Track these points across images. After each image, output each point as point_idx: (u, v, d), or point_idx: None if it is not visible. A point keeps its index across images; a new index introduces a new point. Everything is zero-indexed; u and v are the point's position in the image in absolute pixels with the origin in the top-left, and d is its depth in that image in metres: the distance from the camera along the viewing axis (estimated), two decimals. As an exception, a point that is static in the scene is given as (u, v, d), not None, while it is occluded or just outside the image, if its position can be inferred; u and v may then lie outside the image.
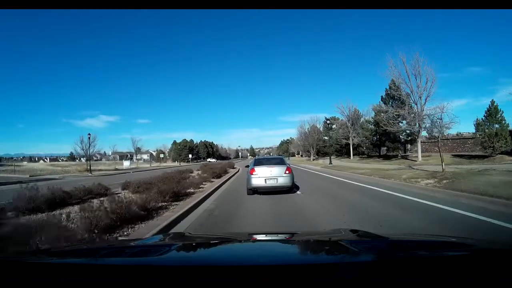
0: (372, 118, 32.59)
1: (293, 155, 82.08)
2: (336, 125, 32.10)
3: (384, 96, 27.87)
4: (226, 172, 19.66)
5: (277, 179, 8.87)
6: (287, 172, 9.11)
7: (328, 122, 28.92)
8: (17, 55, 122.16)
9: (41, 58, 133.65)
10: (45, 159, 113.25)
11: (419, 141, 23.18)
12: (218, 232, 4.46)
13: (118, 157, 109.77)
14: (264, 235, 2.44)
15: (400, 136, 28.11)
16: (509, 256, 1.13)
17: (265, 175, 8.92)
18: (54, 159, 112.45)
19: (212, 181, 13.58)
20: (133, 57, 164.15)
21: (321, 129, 51.36)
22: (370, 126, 33.72)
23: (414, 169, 16.70)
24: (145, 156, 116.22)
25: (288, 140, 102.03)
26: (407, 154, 29.09)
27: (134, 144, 61.05)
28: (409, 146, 31.95)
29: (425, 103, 22.21)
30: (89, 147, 43.83)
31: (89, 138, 35.98)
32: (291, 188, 9.27)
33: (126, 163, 51.46)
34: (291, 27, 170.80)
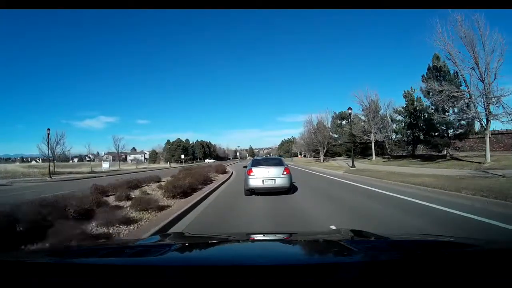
0: (402, 107, 25.75)
1: (296, 156, 75.36)
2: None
3: (426, 75, 20.81)
4: (207, 181, 12.85)
5: (275, 180, 8.72)
6: (285, 172, 8.92)
7: (349, 111, 22.02)
8: (17, 56, 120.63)
9: (40, 59, 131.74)
10: (37, 160, 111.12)
11: (488, 135, 16.28)
12: (217, 232, 4.13)
13: (111, 157, 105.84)
14: (265, 235, 2.40)
15: (449, 130, 21.17)
16: (508, 256, 1.12)
17: (262, 176, 8.74)
18: (46, 159, 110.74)
19: (166, 209, 6.85)
20: (133, 57, 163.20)
21: (329, 126, 44.67)
22: (399, 117, 26.65)
23: (504, 176, 10.13)
24: (139, 156, 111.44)
25: (290, 139, 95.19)
26: (450, 153, 22.16)
27: (115, 144, 54.13)
28: (443, 140, 25.11)
29: (494, 79, 15.49)
30: (56, 145, 37.32)
31: (48, 134, 29.17)
32: (289, 189, 9.03)
33: (105, 165, 44.95)
34: (291, 26, 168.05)
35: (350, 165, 21.03)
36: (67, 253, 1.62)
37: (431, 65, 21.14)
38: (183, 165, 55.37)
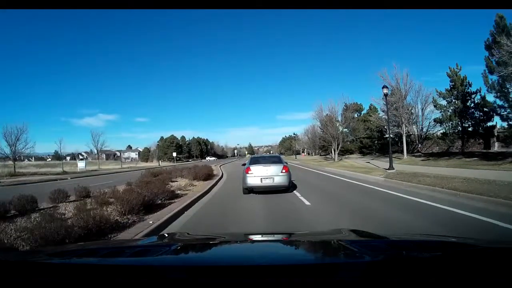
0: (446, 90, 19.71)
1: (298, 153, 69.39)
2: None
3: (490, 41, 14.74)
4: (164, 200, 6.78)
5: (273, 178, 8.52)
6: (283, 171, 8.69)
7: (384, 91, 15.62)
8: (16, 54, 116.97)
9: (40, 58, 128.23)
10: (30, 159, 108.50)
11: None
12: (216, 233, 3.90)
13: (104, 155, 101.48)
14: (265, 235, 2.35)
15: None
16: (508, 255, 1.11)
17: (261, 174, 8.54)
18: (40, 158, 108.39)
19: None
20: (132, 55, 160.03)
21: (339, 120, 38.58)
22: (443, 101, 20.26)
23: None
24: (133, 154, 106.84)
25: (292, 136, 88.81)
26: (497, 150, 16.08)
27: (94, 140, 47.99)
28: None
29: None
30: (17, 141, 31.43)
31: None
32: (288, 188, 8.77)
33: (81, 165, 38.97)
34: (291, 24, 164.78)
35: (386, 167, 15.08)
36: (67, 253, 1.57)
37: (495, 26, 15.08)
38: (175, 164, 49.68)
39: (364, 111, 40.50)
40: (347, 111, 37.26)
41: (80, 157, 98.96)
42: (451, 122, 19.54)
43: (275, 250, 1.64)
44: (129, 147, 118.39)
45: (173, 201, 7.20)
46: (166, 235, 2.43)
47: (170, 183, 11.26)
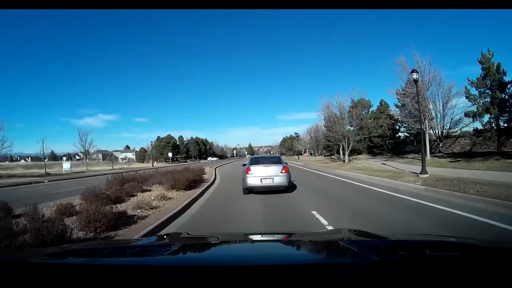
0: (478, 79, 16.81)
1: (300, 154, 66.50)
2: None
3: None
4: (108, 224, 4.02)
5: (273, 178, 8.56)
6: (283, 171, 8.71)
7: (414, 76, 12.68)
8: (16, 55, 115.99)
9: (40, 58, 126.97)
10: (27, 159, 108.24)
11: None
12: (216, 233, 3.68)
13: (100, 156, 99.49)
14: (265, 236, 2.34)
15: None
16: (509, 255, 1.10)
17: (260, 175, 8.59)
18: (37, 158, 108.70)
19: None
20: (131, 55, 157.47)
21: (346, 118, 35.66)
22: (475, 91, 17.12)
23: None
24: (130, 155, 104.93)
25: (293, 135, 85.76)
26: None
27: (82, 139, 45.17)
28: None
29: None
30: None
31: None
32: (288, 188, 8.80)
33: (66, 165, 36.31)
34: (291, 25, 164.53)
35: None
36: (66, 253, 1.54)
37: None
38: (170, 165, 46.83)
39: (372, 108, 37.67)
40: (357, 107, 34.33)
41: (77, 157, 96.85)
42: (488, 116, 16.46)
43: (275, 250, 1.62)
44: (127, 147, 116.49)
45: (116, 233, 4.34)
46: (166, 235, 2.34)
47: (139, 193, 8.44)
